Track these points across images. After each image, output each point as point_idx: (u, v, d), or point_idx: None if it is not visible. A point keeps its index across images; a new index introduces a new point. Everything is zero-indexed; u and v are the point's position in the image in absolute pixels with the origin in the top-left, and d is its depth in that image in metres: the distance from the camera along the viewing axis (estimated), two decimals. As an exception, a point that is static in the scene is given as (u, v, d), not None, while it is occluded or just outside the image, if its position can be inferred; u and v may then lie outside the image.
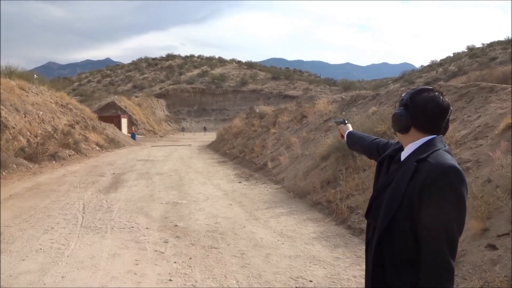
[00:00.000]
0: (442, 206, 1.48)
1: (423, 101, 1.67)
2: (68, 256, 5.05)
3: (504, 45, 49.47)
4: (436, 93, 1.71)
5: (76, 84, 75.73)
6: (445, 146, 1.65)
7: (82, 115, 23.41)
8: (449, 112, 1.71)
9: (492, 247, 4.14)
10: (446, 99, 1.72)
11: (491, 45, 52.51)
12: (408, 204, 1.57)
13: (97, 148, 20.53)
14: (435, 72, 49.35)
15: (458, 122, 7.35)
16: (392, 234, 1.62)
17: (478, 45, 54.72)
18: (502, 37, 79.16)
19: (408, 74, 57.62)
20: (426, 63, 68.67)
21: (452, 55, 57.68)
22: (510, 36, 52.21)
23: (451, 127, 6.82)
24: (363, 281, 4.28)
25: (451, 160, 1.57)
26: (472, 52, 51.96)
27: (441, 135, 1.70)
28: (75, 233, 6.07)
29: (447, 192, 1.49)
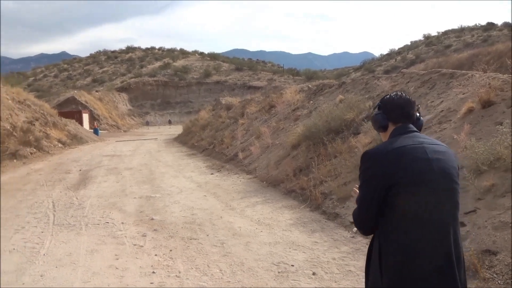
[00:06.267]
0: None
1: (390, 98, 2.01)
2: (44, 254, 4.94)
3: (457, 33, 51.56)
4: (399, 91, 2.05)
5: (31, 79, 72.39)
6: (407, 131, 1.91)
7: (42, 111, 22.50)
8: (414, 103, 2.00)
9: (461, 223, 4.39)
10: (408, 95, 2.04)
11: (446, 33, 54.55)
12: None
13: (60, 145, 19.84)
14: (394, 60, 50.80)
15: (423, 107, 7.66)
16: None
17: (434, 33, 56.70)
18: (455, 25, 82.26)
19: (368, 62, 59.01)
20: (385, 51, 70.46)
21: (409, 43, 59.46)
22: (462, 25, 54.35)
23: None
24: (342, 262, 4.46)
25: (378, 147, 1.91)
26: (428, 40, 53.78)
27: (409, 124, 1.95)
28: (48, 231, 5.92)
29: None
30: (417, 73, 9.72)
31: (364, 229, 1.93)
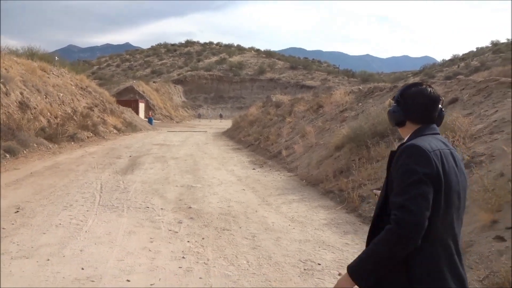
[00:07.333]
0: (395, 176, 1.64)
1: (412, 95, 1.78)
2: (86, 231, 5.26)
3: (530, 41, 48.12)
4: (424, 86, 1.81)
5: (95, 67, 76.56)
6: (433, 133, 1.74)
7: (101, 98, 23.80)
8: (440, 102, 1.79)
9: (500, 238, 4.18)
10: (435, 91, 1.80)
11: (516, 40, 51.10)
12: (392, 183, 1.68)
13: (115, 131, 20.89)
14: (456, 66, 48.41)
15: (475, 116, 7.31)
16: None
17: (503, 40, 53.31)
18: (528, 32, 76.92)
19: (428, 68, 56.65)
20: (448, 57, 67.39)
21: (475, 49, 56.38)
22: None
23: (466, 120, 6.81)
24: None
25: (422, 141, 1.65)
26: (496, 47, 50.65)
27: (433, 124, 1.78)
28: (93, 210, 6.29)
29: (399, 164, 1.62)
30: (474, 80, 9.26)
31: (416, 236, 1.56)
